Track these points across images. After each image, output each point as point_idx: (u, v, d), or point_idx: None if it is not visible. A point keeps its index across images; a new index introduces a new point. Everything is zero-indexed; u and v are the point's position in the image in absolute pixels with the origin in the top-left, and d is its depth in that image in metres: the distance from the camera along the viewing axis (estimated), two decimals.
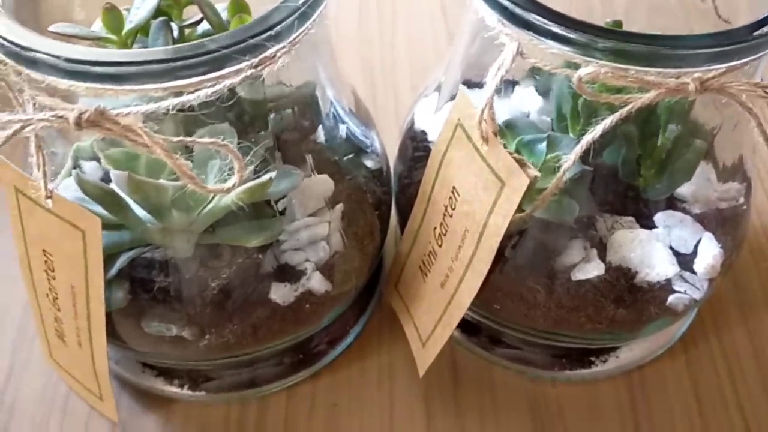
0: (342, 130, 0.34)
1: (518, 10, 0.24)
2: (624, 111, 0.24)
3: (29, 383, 0.36)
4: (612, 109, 0.25)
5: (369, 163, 0.35)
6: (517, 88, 0.36)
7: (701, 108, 0.31)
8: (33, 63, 0.22)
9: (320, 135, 0.33)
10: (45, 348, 0.34)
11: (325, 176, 0.33)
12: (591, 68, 0.22)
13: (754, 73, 0.26)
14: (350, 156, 0.34)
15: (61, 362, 0.34)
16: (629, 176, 0.32)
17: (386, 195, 0.35)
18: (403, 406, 0.35)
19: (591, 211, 0.32)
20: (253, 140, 0.29)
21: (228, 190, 0.25)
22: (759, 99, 0.23)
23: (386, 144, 0.36)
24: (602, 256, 0.31)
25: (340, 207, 0.33)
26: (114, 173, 0.26)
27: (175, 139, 0.23)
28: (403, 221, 0.35)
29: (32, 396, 0.35)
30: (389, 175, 0.36)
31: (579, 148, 0.25)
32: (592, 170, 0.31)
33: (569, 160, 0.26)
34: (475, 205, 0.28)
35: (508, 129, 0.32)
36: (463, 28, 0.32)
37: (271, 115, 0.31)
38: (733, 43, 0.23)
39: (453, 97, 0.35)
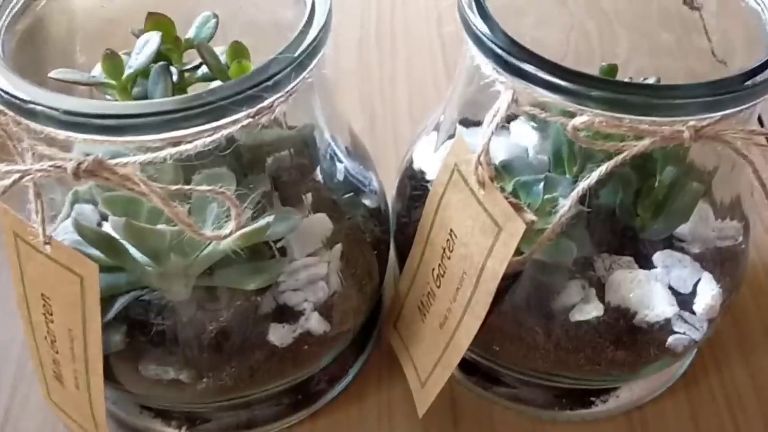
0: (340, 169, 0.34)
1: (512, 59, 0.24)
2: (619, 159, 0.24)
3: (28, 420, 0.35)
4: (608, 154, 0.25)
5: (367, 202, 0.35)
6: (514, 124, 0.36)
7: (698, 148, 0.31)
8: (32, 114, 0.22)
9: (318, 175, 0.34)
10: (43, 388, 0.34)
11: (323, 216, 0.33)
12: (585, 117, 0.23)
13: (749, 120, 0.26)
14: (348, 195, 0.34)
15: (58, 402, 0.34)
16: (627, 217, 0.32)
17: (385, 234, 0.35)
18: None
19: (589, 251, 0.32)
20: (251, 184, 0.29)
21: (224, 237, 0.25)
22: (754, 146, 0.23)
23: (384, 180, 0.37)
24: (601, 297, 0.31)
25: (338, 247, 0.33)
26: (112, 219, 0.26)
27: (173, 187, 0.23)
28: (401, 260, 0.35)
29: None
30: (387, 213, 0.36)
31: (575, 194, 0.25)
32: (588, 211, 0.31)
33: (566, 205, 0.26)
34: (472, 248, 0.28)
35: (504, 170, 0.32)
36: (460, 70, 0.32)
37: (269, 158, 0.31)
38: (727, 92, 0.23)
39: (451, 137, 0.35)
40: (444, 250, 0.30)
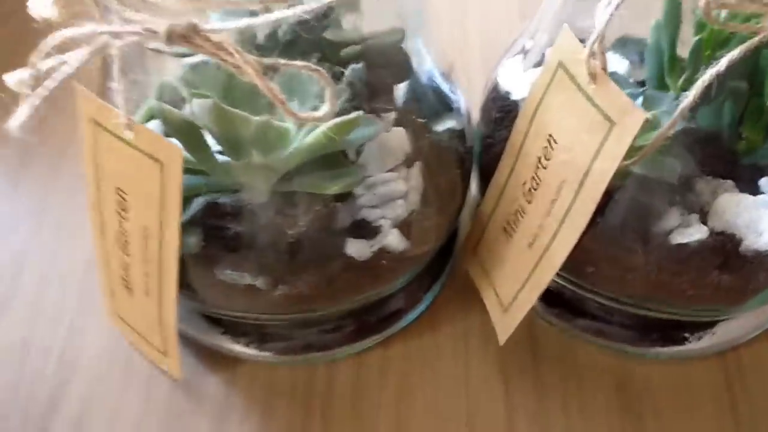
0: (428, 85, 0.33)
1: None
2: (755, 41, 0.22)
3: (91, 341, 0.34)
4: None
5: (452, 122, 0.33)
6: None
7: None
8: None
9: (405, 89, 0.32)
10: (108, 302, 0.33)
11: (403, 131, 0.31)
12: None
13: None
14: (434, 112, 0.33)
15: (124, 316, 0.33)
16: (732, 139, 0.30)
17: (468, 154, 0.33)
18: (479, 380, 0.33)
19: (692, 171, 0.30)
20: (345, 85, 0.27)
21: (318, 119, 0.23)
22: None
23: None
24: (703, 221, 0.29)
25: (419, 164, 0.31)
26: (197, 101, 0.24)
27: (267, 60, 0.22)
28: (484, 184, 0.33)
29: (93, 354, 0.34)
30: (472, 135, 0.34)
31: (700, 85, 0.23)
32: (695, 127, 0.29)
33: (692, 93, 0.23)
34: (575, 151, 0.26)
35: None
36: None
37: (358, 63, 0.30)
38: None
39: (539, 63, 0.33)
40: (539, 159, 0.28)
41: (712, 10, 0.21)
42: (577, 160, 0.26)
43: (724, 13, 0.25)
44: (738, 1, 0.21)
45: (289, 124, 0.26)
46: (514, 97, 0.33)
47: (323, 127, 0.25)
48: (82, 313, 0.35)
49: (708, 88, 0.23)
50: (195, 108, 0.24)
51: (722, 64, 0.22)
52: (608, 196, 0.29)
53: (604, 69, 0.24)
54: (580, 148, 0.25)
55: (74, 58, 0.22)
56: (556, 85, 0.26)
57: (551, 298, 0.34)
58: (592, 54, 0.24)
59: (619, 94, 0.23)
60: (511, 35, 0.36)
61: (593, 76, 0.24)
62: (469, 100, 0.34)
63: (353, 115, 0.25)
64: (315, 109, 0.23)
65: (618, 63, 0.33)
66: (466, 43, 0.49)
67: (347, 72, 0.29)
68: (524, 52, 0.35)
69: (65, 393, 0.33)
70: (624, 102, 0.23)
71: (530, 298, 0.29)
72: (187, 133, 0.25)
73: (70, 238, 0.38)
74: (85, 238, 0.31)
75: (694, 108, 0.29)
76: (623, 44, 0.33)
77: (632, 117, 0.23)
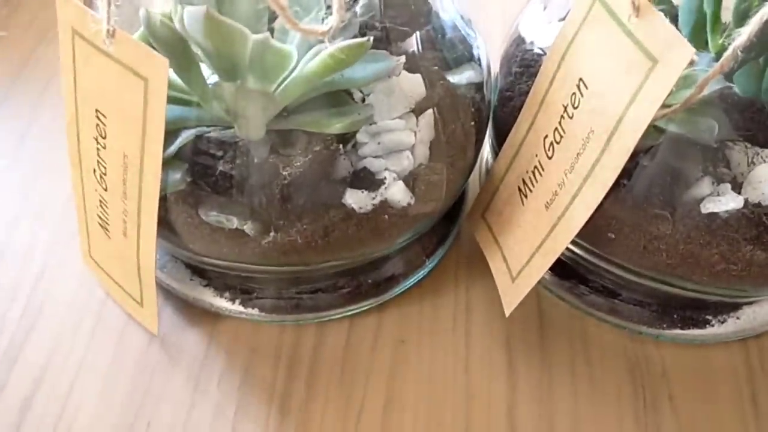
0: (448, 30, 0.30)
1: None
2: None
3: (62, 285, 0.32)
4: None
5: (470, 72, 0.30)
6: None
7: None
8: None
9: (424, 32, 0.29)
10: (84, 243, 0.30)
11: (417, 76, 0.28)
12: None
13: None
14: (452, 60, 0.30)
15: (100, 261, 0.30)
16: None
17: (485, 108, 0.31)
18: (480, 352, 0.30)
19: (729, 137, 0.27)
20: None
21: (323, 34, 0.20)
22: None
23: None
24: (738, 191, 0.27)
25: (430, 113, 0.28)
26: (190, 9, 0.22)
27: None
28: (499, 142, 0.31)
29: (64, 299, 0.31)
30: (490, 87, 0.31)
31: (745, 36, 0.20)
32: (733, 89, 0.27)
33: (739, 39, 0.21)
34: (609, 97, 0.23)
35: None
36: None
37: None
38: None
39: (562, 19, 0.30)
40: (565, 108, 0.25)
41: None
42: (610, 108, 0.23)
43: None
44: None
45: (292, 47, 0.24)
46: (537, 49, 0.31)
47: (330, 49, 0.22)
48: (54, 255, 0.32)
49: (750, 45, 0.20)
50: (185, 17, 0.22)
51: (748, 31, 0.20)
52: (636, 156, 0.26)
53: None
54: (614, 92, 0.23)
55: None
56: (591, 21, 0.24)
57: (563, 269, 0.31)
58: None
59: (665, 26, 0.21)
60: None
61: (636, 8, 0.21)
62: (490, 51, 0.32)
63: (364, 39, 0.23)
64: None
65: None
66: None
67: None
68: (545, 5, 0.32)
69: (29, 340, 0.30)
70: (671, 35, 0.21)
71: (543, 265, 0.27)
72: (176, 47, 0.23)
73: (49, 173, 0.35)
74: (65, 175, 0.28)
75: (730, 72, 0.27)
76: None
77: (680, 52, 0.20)
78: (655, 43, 0.21)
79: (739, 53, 0.21)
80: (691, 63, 0.21)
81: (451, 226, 0.33)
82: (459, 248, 0.33)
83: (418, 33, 0.29)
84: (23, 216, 0.34)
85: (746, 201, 0.26)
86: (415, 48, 0.29)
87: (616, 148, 0.23)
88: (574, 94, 0.25)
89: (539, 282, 0.31)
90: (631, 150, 0.22)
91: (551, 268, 0.30)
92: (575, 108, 0.25)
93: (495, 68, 0.32)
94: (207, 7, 0.21)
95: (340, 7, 0.20)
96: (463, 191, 0.34)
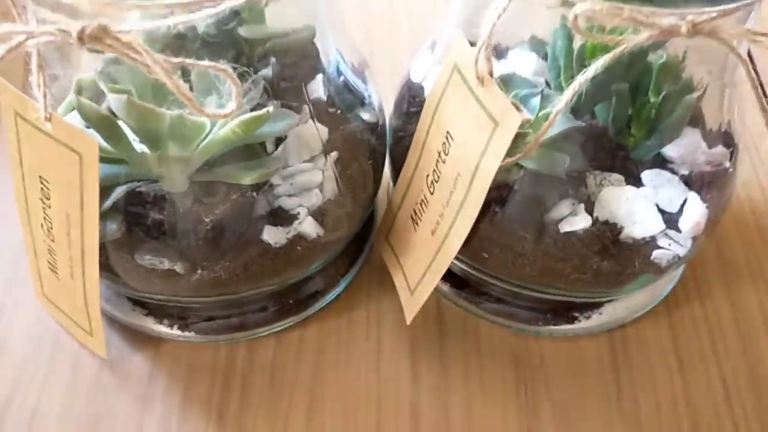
0: (340, 80, 0.35)
1: None
2: (617, 51, 0.24)
3: (20, 321, 0.36)
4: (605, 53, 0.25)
5: (365, 116, 0.35)
6: (512, 52, 0.36)
7: (693, 68, 0.32)
8: None
9: (319, 83, 0.34)
10: (37, 283, 0.34)
11: (320, 125, 0.33)
12: (587, 4, 0.23)
13: (745, 21, 0.27)
14: (347, 106, 0.35)
15: (52, 298, 0.34)
16: (620, 135, 0.33)
17: (381, 147, 0.36)
18: (389, 356, 0.35)
19: (581, 166, 0.32)
20: (251, 83, 0.29)
21: (225, 116, 0.25)
22: (752, 44, 0.23)
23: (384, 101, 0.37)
24: (590, 212, 0.32)
25: (334, 155, 0.33)
26: (113, 97, 0.26)
27: (175, 60, 0.24)
28: (396, 174, 0.35)
29: (23, 333, 0.35)
30: (385, 128, 0.36)
31: (571, 90, 0.26)
32: (583, 125, 0.32)
33: (561, 101, 0.26)
34: (468, 148, 0.28)
35: (503, 83, 0.32)
36: None
37: (272, 59, 0.32)
38: None
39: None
40: (439, 154, 0.30)
41: (580, 22, 0.24)
42: (469, 156, 0.28)
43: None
44: (603, 15, 0.23)
45: (205, 118, 0.28)
46: (425, 92, 0.36)
47: (232, 123, 0.27)
48: (10, 294, 0.36)
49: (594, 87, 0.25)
50: (112, 102, 0.26)
51: (590, 71, 0.25)
52: (507, 187, 0.32)
53: (491, 73, 0.26)
54: (471, 145, 0.28)
55: None
56: (452, 86, 0.29)
57: (458, 282, 0.37)
58: (480, 58, 0.26)
59: (501, 96, 0.26)
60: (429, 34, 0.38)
61: (480, 80, 0.26)
62: (386, 96, 0.37)
63: (261, 111, 0.27)
64: (223, 106, 0.25)
65: (529, 60, 0.36)
66: (386, 40, 0.51)
67: (262, 70, 0.31)
68: (433, 46, 0.37)
69: None
70: (505, 104, 0.26)
71: (432, 281, 0.32)
72: (104, 125, 0.27)
73: (2, 220, 0.39)
74: (17, 222, 0.32)
75: (590, 105, 0.32)
76: (536, 43, 0.36)
77: (511, 118, 0.26)
78: (496, 109, 0.26)
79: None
80: (525, 123, 0.27)
81: (362, 248, 0.38)
82: (371, 267, 0.38)
83: (317, 83, 0.34)
84: None
85: (596, 219, 0.32)
86: (316, 97, 0.34)
87: (475, 190, 0.28)
88: (444, 143, 0.30)
89: (440, 293, 0.37)
90: (486, 192, 0.28)
91: (449, 281, 0.36)
92: (446, 154, 0.30)
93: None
94: (128, 96, 0.25)
95: (237, 94, 0.25)
96: (373, 216, 0.39)
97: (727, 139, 0.34)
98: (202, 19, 0.23)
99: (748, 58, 0.27)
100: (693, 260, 0.39)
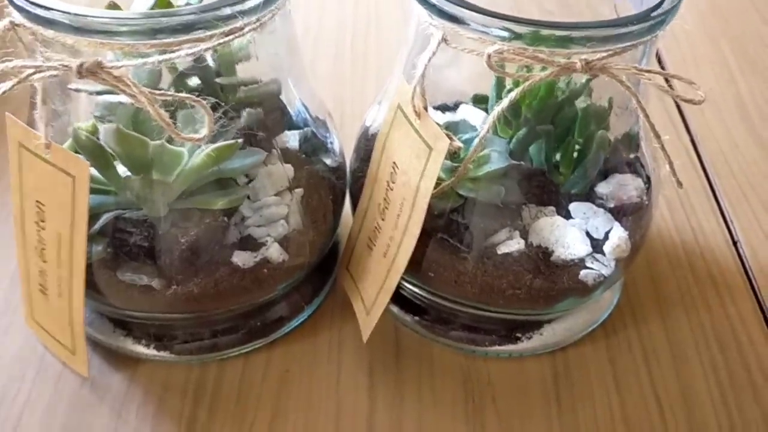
0: (305, 128, 0.40)
1: (444, 6, 0.30)
2: (526, 85, 0.29)
3: (9, 344, 0.39)
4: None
5: (328, 160, 0.40)
6: (461, 107, 0.41)
7: (614, 118, 0.37)
8: (49, 22, 0.28)
9: (286, 133, 0.39)
10: (27, 308, 0.38)
11: (287, 165, 0.38)
12: (497, 45, 0.28)
13: (641, 60, 0.32)
14: (311, 150, 0.39)
15: (40, 320, 0.38)
16: (551, 172, 0.37)
17: (341, 184, 0.40)
18: (349, 375, 0.38)
19: (517, 199, 0.37)
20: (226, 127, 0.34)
21: (198, 140, 0.29)
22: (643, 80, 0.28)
23: (347, 147, 0.42)
24: (525, 238, 0.36)
25: (299, 191, 0.37)
26: (103, 127, 0.30)
27: (157, 91, 0.28)
28: (355, 209, 0.40)
29: (11, 355, 0.38)
30: (344, 169, 0.41)
31: (491, 119, 0.30)
32: (519, 164, 0.37)
33: (484, 129, 0.31)
34: (410, 174, 0.33)
35: (448, 129, 0.37)
36: (405, 38, 0.37)
37: (247, 109, 0.36)
38: (620, 25, 0.28)
39: None
40: (388, 183, 0.35)
41: (493, 60, 0.29)
42: (411, 181, 0.32)
43: None
44: (510, 55, 0.28)
45: (184, 149, 0.33)
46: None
47: (208, 149, 0.31)
48: (3, 322, 0.40)
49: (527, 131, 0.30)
50: (101, 132, 0.31)
51: (504, 102, 0.30)
52: (445, 214, 0.36)
53: (425, 107, 0.31)
54: (412, 171, 0.32)
55: (1, 87, 0.28)
56: (396, 122, 0.33)
57: (413, 308, 0.40)
58: (416, 95, 0.31)
59: (433, 125, 0.31)
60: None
61: (417, 113, 0.31)
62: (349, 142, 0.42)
63: (231, 141, 0.32)
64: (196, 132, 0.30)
65: (474, 114, 0.41)
66: (357, 93, 0.57)
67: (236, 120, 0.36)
68: (381, 99, 0.42)
69: None
70: (436, 131, 0.30)
71: (384, 300, 0.36)
72: (95, 152, 0.31)
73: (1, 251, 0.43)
74: (11, 254, 0.36)
75: (524, 146, 0.37)
76: (478, 99, 0.41)
77: (442, 141, 0.30)
78: (429, 136, 0.31)
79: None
80: (457, 150, 0.31)
81: (326, 279, 0.42)
82: (335, 297, 0.42)
83: (288, 134, 0.38)
84: None
85: (530, 243, 0.36)
86: (285, 141, 0.38)
87: (417, 209, 0.32)
88: (391, 172, 0.34)
89: (397, 319, 0.40)
90: (425, 209, 0.32)
91: (406, 307, 0.39)
92: (393, 183, 0.34)
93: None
94: (117, 125, 0.30)
95: (209, 122, 0.29)
96: (336, 251, 0.43)
97: (644, 176, 0.39)
98: (181, 58, 0.28)
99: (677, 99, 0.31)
100: (629, 290, 0.43)
